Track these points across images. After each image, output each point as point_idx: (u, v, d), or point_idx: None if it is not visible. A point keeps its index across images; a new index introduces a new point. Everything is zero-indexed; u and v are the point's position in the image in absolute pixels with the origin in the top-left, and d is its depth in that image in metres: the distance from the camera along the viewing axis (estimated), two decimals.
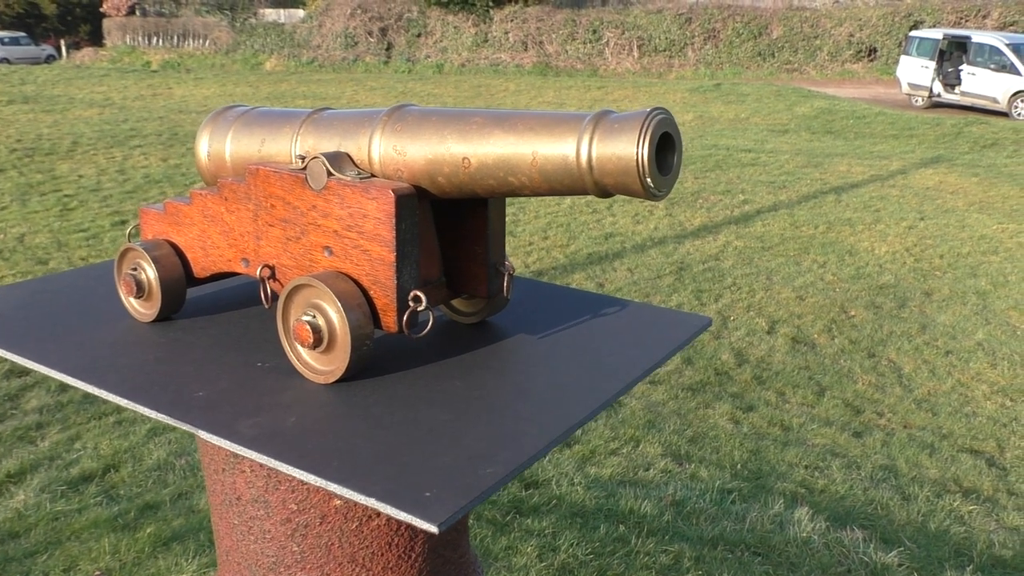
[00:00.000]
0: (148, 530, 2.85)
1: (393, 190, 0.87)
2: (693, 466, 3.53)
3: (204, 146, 1.10)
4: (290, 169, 0.95)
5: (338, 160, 0.92)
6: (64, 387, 3.95)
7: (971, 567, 2.89)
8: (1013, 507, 3.43)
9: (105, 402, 3.82)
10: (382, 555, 0.90)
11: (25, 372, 4.08)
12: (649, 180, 0.78)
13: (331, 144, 0.96)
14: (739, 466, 3.56)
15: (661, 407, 4.13)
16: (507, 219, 7.49)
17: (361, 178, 0.91)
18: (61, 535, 2.83)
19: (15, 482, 3.14)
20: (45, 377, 4.03)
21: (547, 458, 3.46)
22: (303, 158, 0.92)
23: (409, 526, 0.90)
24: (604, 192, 0.83)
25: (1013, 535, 3.21)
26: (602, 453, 3.57)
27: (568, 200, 8.22)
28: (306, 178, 0.92)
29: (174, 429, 3.60)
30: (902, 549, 2.92)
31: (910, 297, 5.98)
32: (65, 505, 3.00)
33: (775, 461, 3.64)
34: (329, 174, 0.90)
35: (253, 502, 0.90)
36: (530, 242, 6.88)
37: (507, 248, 6.67)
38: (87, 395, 3.88)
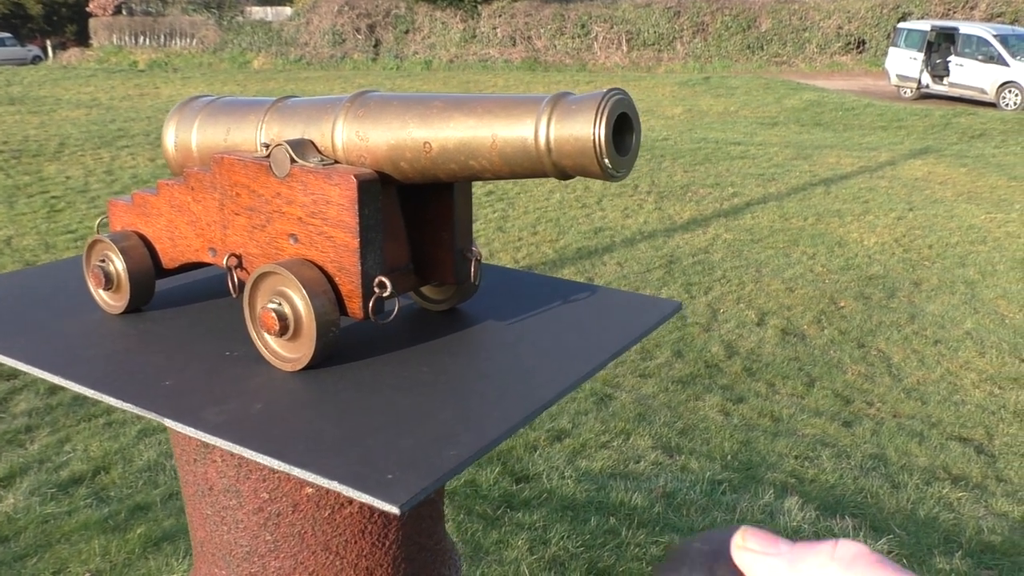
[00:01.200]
0: (138, 531, 2.84)
1: (355, 176, 0.86)
2: (683, 458, 3.53)
3: (171, 136, 1.10)
4: (254, 157, 0.94)
5: (301, 147, 0.91)
6: (53, 390, 3.94)
7: (960, 553, 2.90)
8: (1002, 493, 3.45)
9: (95, 404, 3.81)
10: (356, 542, 0.90)
11: (13, 376, 4.06)
12: (607, 160, 0.78)
13: (295, 132, 0.96)
14: (729, 457, 3.57)
15: (651, 400, 4.14)
16: (496, 215, 7.50)
17: (324, 164, 0.91)
18: (51, 538, 2.82)
19: (4, 486, 3.13)
20: (34, 380, 4.01)
21: (537, 452, 3.46)
22: (267, 146, 0.92)
23: (383, 513, 0.90)
24: (564, 174, 0.83)
25: (1002, 521, 3.23)
26: (593, 446, 3.57)
27: (557, 195, 8.22)
28: (270, 165, 0.91)
29: (164, 430, 3.59)
30: (892, 536, 2.94)
31: (899, 287, 6.00)
32: (55, 508, 2.99)
33: (765, 452, 3.65)
34: (292, 161, 0.90)
35: (225, 492, 0.90)
36: (519, 237, 6.88)
37: (497, 244, 6.67)
38: (76, 398, 3.87)
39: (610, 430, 3.72)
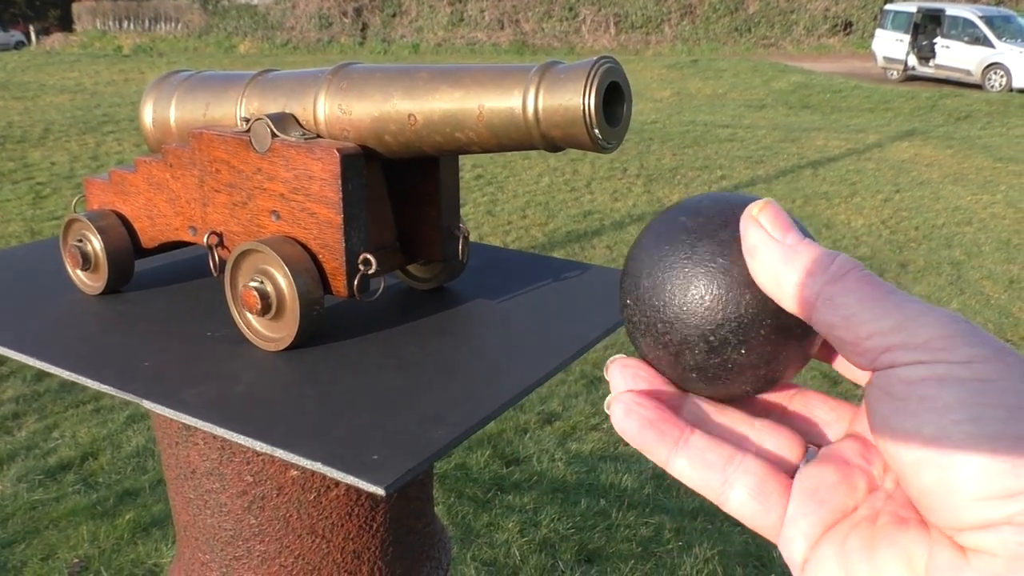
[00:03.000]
0: (127, 517, 2.83)
1: (338, 150, 0.84)
2: None
3: (148, 113, 1.07)
4: (234, 132, 0.92)
5: (282, 121, 0.89)
6: (40, 376, 3.90)
7: None
8: None
9: (83, 390, 3.78)
10: (342, 526, 0.89)
11: (0, 362, 4.03)
12: (597, 131, 0.76)
13: (276, 106, 0.94)
14: None
15: None
16: (485, 199, 7.46)
17: (306, 139, 0.88)
18: (39, 524, 2.80)
19: None
20: (21, 367, 3.97)
21: (527, 435, 3.46)
22: (248, 120, 0.90)
23: (370, 495, 0.88)
24: (553, 146, 0.81)
25: None
26: (583, 429, 3.57)
27: (546, 179, 8.20)
28: (250, 140, 0.89)
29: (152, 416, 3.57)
30: None
31: (886, 268, 6.02)
32: (43, 494, 2.97)
33: None
34: (273, 135, 0.88)
35: (208, 475, 0.88)
36: (509, 221, 6.86)
37: (486, 227, 6.65)
38: (64, 384, 3.83)
39: (600, 412, 3.72)
